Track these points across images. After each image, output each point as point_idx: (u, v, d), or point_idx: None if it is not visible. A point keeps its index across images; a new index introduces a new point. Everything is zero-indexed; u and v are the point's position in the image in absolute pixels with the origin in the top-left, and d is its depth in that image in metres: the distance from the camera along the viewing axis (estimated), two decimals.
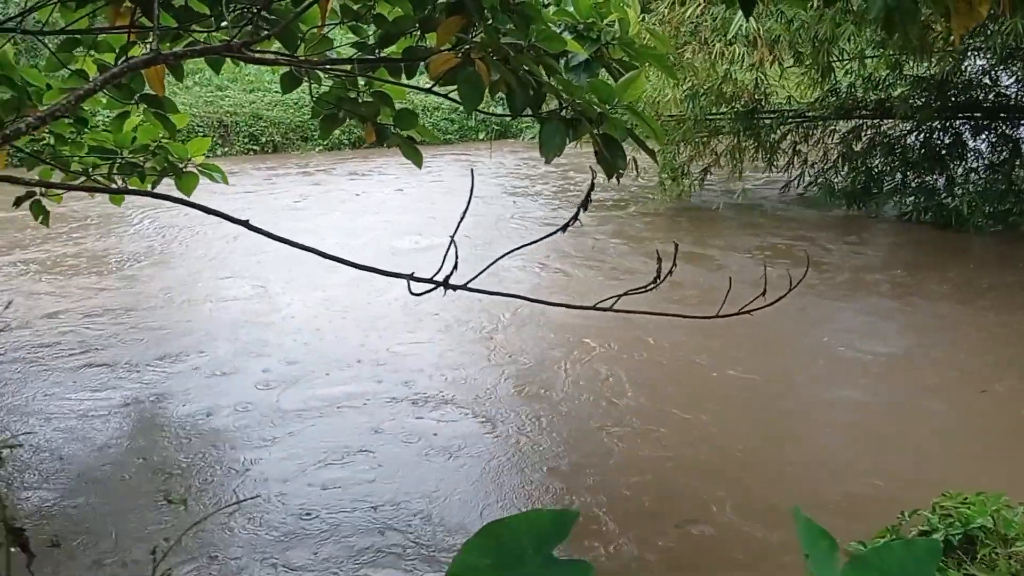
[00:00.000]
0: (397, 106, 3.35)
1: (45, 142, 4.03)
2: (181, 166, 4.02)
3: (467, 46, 2.31)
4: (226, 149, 16.00)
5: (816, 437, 5.05)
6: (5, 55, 3.41)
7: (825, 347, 6.35)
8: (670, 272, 1.55)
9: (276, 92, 17.36)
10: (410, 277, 1.53)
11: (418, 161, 3.39)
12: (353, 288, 7.51)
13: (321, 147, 16.96)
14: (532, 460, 4.63)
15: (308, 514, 4.05)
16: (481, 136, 18.45)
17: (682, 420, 5.02)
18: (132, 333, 6.64)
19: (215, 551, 3.77)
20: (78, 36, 3.22)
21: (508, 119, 17.62)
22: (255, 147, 16.88)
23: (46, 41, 3.34)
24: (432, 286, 1.45)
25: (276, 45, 3.16)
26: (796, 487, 4.33)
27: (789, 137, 11.59)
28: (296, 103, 16.88)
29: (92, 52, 3.49)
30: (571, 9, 2.76)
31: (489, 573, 0.54)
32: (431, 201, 11.79)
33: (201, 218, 10.53)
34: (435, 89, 2.47)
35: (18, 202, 3.92)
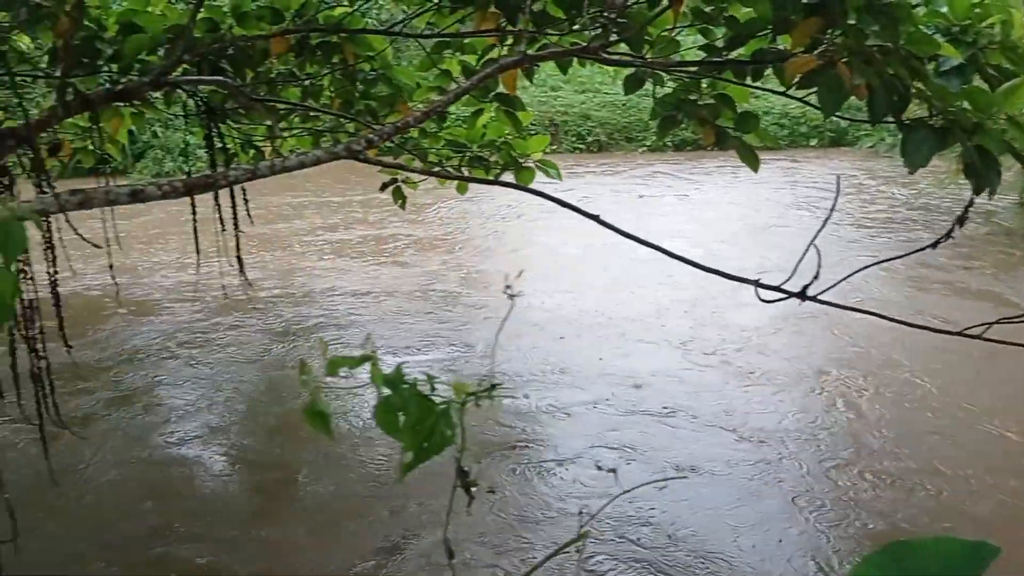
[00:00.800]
0: (739, 109, 3.30)
1: (409, 134, 4.50)
2: (521, 161, 4.30)
3: (828, 47, 2.21)
4: (555, 147, 16.76)
5: None
6: (386, 56, 3.86)
7: None
8: None
9: (605, 93, 17.86)
10: (757, 283, 1.50)
11: (754, 165, 3.31)
12: (602, 295, 7.60)
13: (645, 148, 17.16)
14: (783, 489, 4.35)
15: (526, 512, 4.10)
16: (812, 143, 17.51)
17: (949, 476, 4.45)
18: (388, 317, 7.16)
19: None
20: (449, 39, 3.54)
21: (844, 125, 16.57)
22: (581, 146, 17.53)
23: (421, 44, 3.72)
24: (782, 295, 1.41)
25: (621, 46, 3.25)
26: None
27: None
28: (624, 104, 17.23)
29: (458, 53, 3.85)
30: (944, 10, 2.54)
31: None
32: (705, 210, 11.54)
33: (471, 210, 11.22)
34: (790, 92, 2.39)
35: (383, 187, 4.42)
